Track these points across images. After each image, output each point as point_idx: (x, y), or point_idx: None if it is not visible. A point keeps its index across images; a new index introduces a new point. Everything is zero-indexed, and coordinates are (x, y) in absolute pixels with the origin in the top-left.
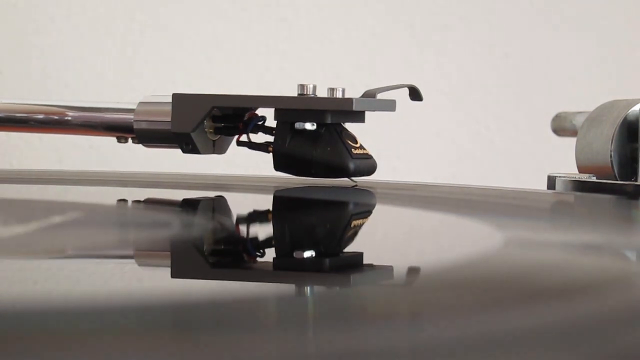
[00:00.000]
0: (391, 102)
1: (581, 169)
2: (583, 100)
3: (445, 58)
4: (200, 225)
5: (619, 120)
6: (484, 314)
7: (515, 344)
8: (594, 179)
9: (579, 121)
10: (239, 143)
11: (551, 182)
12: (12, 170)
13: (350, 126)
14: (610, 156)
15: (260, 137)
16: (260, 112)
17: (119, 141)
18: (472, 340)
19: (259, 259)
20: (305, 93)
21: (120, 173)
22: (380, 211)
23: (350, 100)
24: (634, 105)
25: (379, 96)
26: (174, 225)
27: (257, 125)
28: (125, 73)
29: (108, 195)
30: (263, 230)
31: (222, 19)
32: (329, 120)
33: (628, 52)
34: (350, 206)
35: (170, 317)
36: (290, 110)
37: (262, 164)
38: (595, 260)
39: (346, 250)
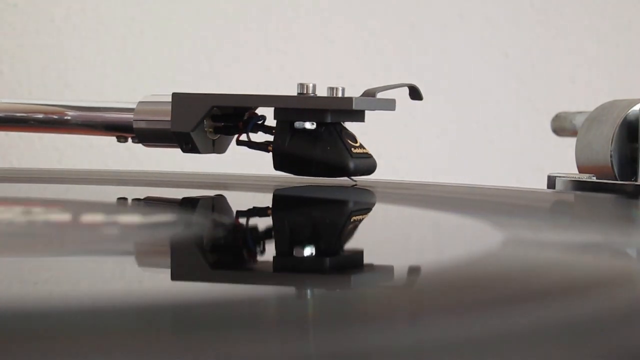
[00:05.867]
0: (391, 101)
1: (581, 169)
2: (583, 100)
3: (445, 58)
4: (200, 224)
5: (619, 120)
6: (483, 314)
7: (515, 344)
8: (594, 179)
9: (579, 121)
10: (239, 142)
11: (551, 182)
12: (12, 170)
13: (350, 125)
14: (610, 156)
15: (260, 137)
16: (260, 111)
17: (118, 140)
18: (471, 339)
19: (258, 259)
20: (305, 92)
21: (120, 172)
22: (379, 210)
23: (350, 99)
24: (634, 105)
25: (379, 95)
26: (174, 225)
27: (257, 124)
28: (125, 73)
29: (107, 195)
30: (263, 230)
31: (222, 19)
32: (328, 120)
33: (628, 52)
34: (350, 205)
35: (169, 317)
36: (290, 109)
37: (262, 164)
38: (595, 260)
39: (346, 249)
